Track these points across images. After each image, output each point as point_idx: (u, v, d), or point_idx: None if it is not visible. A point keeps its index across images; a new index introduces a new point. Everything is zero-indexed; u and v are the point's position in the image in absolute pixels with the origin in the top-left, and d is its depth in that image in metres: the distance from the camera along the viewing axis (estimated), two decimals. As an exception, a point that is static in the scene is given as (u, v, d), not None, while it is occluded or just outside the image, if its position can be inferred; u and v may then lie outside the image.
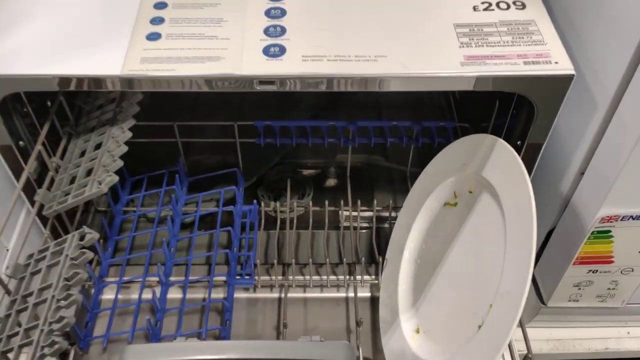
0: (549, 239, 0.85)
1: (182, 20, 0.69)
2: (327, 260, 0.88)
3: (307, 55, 0.65)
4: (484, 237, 0.67)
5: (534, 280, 0.89)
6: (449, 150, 0.77)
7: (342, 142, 0.94)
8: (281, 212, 0.94)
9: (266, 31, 0.68)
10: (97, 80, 0.63)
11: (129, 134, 0.73)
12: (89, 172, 0.71)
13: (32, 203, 0.71)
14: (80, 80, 0.63)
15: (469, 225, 0.71)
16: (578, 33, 0.70)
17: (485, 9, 0.71)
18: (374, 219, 0.92)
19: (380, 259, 0.85)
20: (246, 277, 0.86)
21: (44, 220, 0.75)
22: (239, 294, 0.86)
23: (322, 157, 1.06)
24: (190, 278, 0.86)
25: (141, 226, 0.95)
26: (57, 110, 0.79)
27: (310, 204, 0.95)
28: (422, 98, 1.18)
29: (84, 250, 0.62)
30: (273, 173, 1.05)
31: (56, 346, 0.55)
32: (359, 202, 0.92)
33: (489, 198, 0.67)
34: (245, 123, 0.93)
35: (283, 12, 0.71)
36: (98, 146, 0.73)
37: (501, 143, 0.66)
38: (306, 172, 1.03)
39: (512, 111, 0.73)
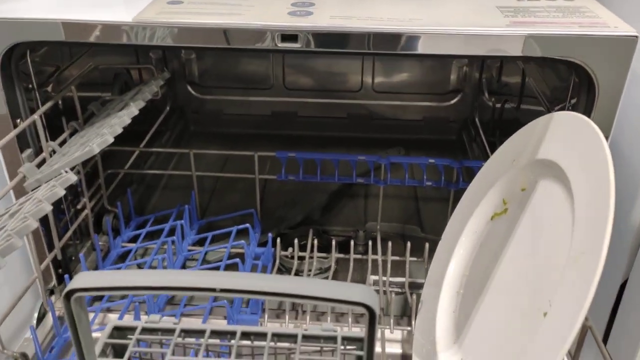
0: (621, 296, 0.69)
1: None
2: (350, 311, 0.73)
3: (336, 15, 0.59)
4: (545, 225, 0.54)
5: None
6: (490, 162, 0.67)
7: (372, 180, 0.85)
8: (299, 258, 0.82)
9: (294, 4, 0.63)
10: (106, 29, 0.58)
11: (135, 111, 0.65)
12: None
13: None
14: (88, 27, 0.58)
15: (525, 223, 0.58)
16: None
17: None
18: (407, 284, 0.78)
19: (414, 303, 0.71)
20: (252, 314, 0.72)
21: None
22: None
23: (350, 225, 0.93)
24: (188, 307, 0.73)
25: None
26: (66, 108, 0.74)
27: (334, 259, 0.81)
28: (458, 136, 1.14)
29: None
30: (294, 234, 0.89)
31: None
32: (389, 265, 0.79)
33: (549, 182, 0.55)
34: (267, 154, 0.85)
35: None
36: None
37: (560, 115, 0.56)
38: (332, 237, 0.84)
39: (569, 102, 0.63)
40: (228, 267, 0.77)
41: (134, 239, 0.85)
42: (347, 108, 1.17)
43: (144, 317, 0.52)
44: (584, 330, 0.54)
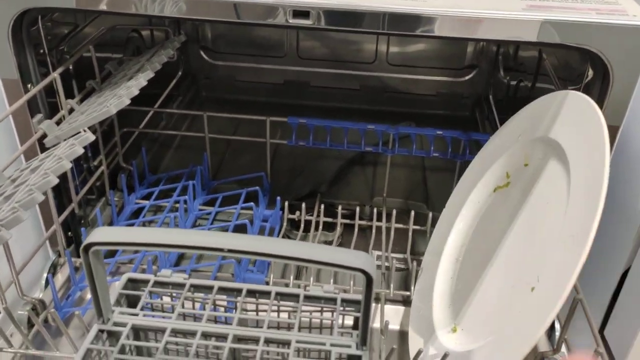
0: (621, 285, 0.70)
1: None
2: (353, 281, 0.75)
3: None
4: (542, 201, 0.56)
5: (603, 339, 0.73)
6: (497, 135, 0.69)
7: (380, 150, 0.86)
8: (305, 227, 0.84)
9: None
10: None
11: (151, 74, 0.67)
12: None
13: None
14: None
15: (524, 198, 0.59)
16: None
17: None
18: (408, 251, 0.81)
19: (415, 270, 0.73)
20: (258, 273, 0.75)
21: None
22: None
23: (357, 200, 0.94)
24: (198, 264, 0.76)
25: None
26: (77, 70, 0.74)
27: (339, 230, 0.84)
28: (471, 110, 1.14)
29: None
30: (301, 205, 0.87)
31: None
32: (391, 240, 0.81)
33: (550, 160, 0.57)
34: (279, 119, 0.87)
35: None
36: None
37: (567, 95, 0.57)
38: (338, 210, 0.85)
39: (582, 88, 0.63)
40: (237, 228, 0.80)
41: (147, 197, 0.88)
42: (360, 79, 1.17)
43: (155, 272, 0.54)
44: (575, 303, 0.56)
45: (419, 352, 0.56)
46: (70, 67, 0.72)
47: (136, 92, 0.63)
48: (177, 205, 0.83)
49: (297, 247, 0.43)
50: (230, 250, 0.42)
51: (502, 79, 1.06)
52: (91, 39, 0.78)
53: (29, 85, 0.65)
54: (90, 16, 0.80)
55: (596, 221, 0.45)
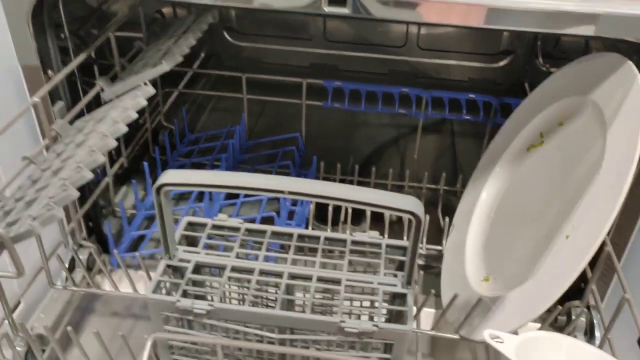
0: None
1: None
2: (387, 221, 0.78)
3: None
4: (577, 158, 0.59)
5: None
6: (530, 98, 0.71)
7: (413, 113, 0.89)
8: (341, 179, 0.88)
9: None
10: None
11: (193, 42, 0.70)
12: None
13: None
14: None
15: (559, 156, 0.63)
16: None
17: None
18: (441, 192, 0.85)
19: (447, 224, 0.77)
20: (297, 225, 0.79)
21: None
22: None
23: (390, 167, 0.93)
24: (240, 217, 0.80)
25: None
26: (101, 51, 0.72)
27: (374, 169, 0.88)
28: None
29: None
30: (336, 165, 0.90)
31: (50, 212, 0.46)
32: (422, 200, 0.84)
33: (586, 119, 0.60)
34: (314, 81, 0.90)
35: None
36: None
37: (610, 56, 0.58)
38: (372, 170, 0.88)
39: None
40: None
41: (187, 154, 0.92)
42: (389, 64, 1.12)
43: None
44: (604, 254, 0.60)
45: (455, 296, 0.59)
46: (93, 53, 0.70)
47: (187, 50, 0.66)
48: (217, 163, 0.87)
49: (354, 191, 0.46)
50: (291, 192, 0.46)
51: (541, 67, 1.02)
52: (115, 21, 0.75)
53: (49, 71, 0.63)
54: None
55: (631, 175, 0.48)
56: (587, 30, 0.51)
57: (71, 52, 0.66)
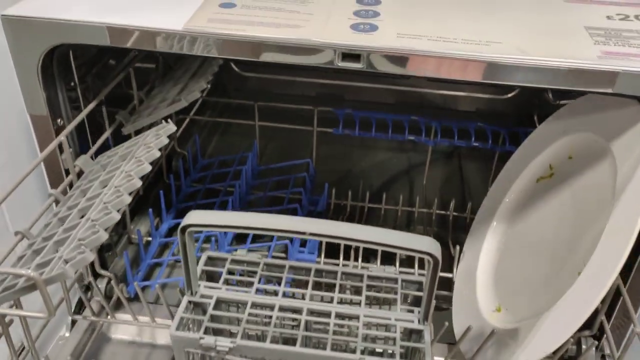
0: None
1: (263, -1, 0.60)
2: (397, 257, 0.80)
3: (404, 33, 0.53)
4: (588, 194, 0.61)
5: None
6: (540, 129, 0.73)
7: (422, 140, 0.91)
8: (351, 205, 0.90)
9: (357, 13, 0.57)
10: (153, 35, 0.53)
11: (216, 69, 0.72)
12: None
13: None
14: (134, 33, 0.53)
15: (568, 190, 0.64)
16: None
17: (622, 19, 0.58)
18: (450, 218, 0.86)
19: (457, 252, 0.78)
20: (310, 253, 0.80)
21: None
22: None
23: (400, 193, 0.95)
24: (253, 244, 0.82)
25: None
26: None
27: (384, 195, 0.89)
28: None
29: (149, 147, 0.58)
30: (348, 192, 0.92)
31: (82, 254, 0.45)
32: (433, 225, 0.87)
33: (596, 154, 0.61)
34: (325, 109, 0.92)
35: (377, 1, 0.60)
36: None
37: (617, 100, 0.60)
38: (383, 197, 0.90)
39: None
40: (288, 212, 0.85)
41: (201, 180, 0.94)
42: (396, 94, 1.12)
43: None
44: (612, 289, 0.61)
45: (468, 329, 0.61)
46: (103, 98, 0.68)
47: (205, 85, 0.67)
48: (230, 189, 0.88)
49: (372, 232, 0.48)
50: (312, 234, 0.48)
51: (551, 101, 0.99)
52: (127, 65, 0.74)
53: (58, 120, 0.62)
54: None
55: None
56: (605, 88, 0.51)
57: (81, 100, 0.66)
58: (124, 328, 0.71)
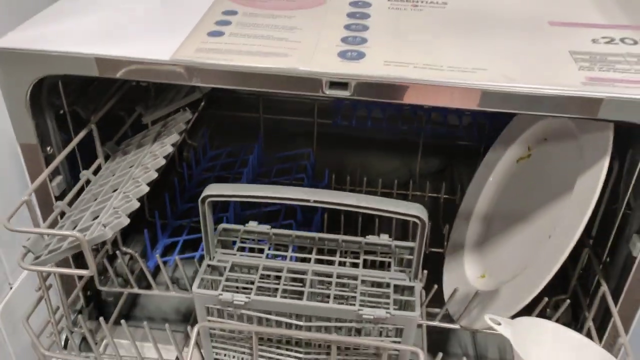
0: None
1: (251, 25, 0.60)
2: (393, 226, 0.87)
3: (391, 61, 0.54)
4: (557, 171, 0.68)
5: None
6: (518, 118, 0.80)
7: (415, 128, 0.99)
8: (350, 189, 0.97)
9: (344, 39, 0.58)
10: (142, 67, 0.54)
11: (170, 149, 0.65)
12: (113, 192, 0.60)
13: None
14: (123, 64, 0.54)
15: (543, 166, 0.72)
16: None
17: (608, 42, 0.58)
18: (442, 201, 0.94)
19: (447, 230, 0.86)
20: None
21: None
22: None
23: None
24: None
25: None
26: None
27: (380, 180, 0.97)
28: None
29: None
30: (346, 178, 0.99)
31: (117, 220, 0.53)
32: (427, 184, 0.94)
33: (567, 138, 0.69)
34: (325, 98, 0.99)
35: (365, 27, 0.61)
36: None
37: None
38: (379, 182, 0.96)
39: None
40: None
41: (211, 169, 1.01)
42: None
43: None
44: (585, 253, 0.69)
45: (455, 291, 0.68)
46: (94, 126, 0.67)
47: (145, 190, 0.59)
48: (238, 176, 0.96)
49: (366, 200, 0.55)
50: (316, 201, 0.55)
51: None
52: (114, 93, 0.74)
53: (48, 148, 0.63)
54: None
55: (598, 189, 0.57)
56: (589, 114, 0.51)
57: (70, 126, 0.66)
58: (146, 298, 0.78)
